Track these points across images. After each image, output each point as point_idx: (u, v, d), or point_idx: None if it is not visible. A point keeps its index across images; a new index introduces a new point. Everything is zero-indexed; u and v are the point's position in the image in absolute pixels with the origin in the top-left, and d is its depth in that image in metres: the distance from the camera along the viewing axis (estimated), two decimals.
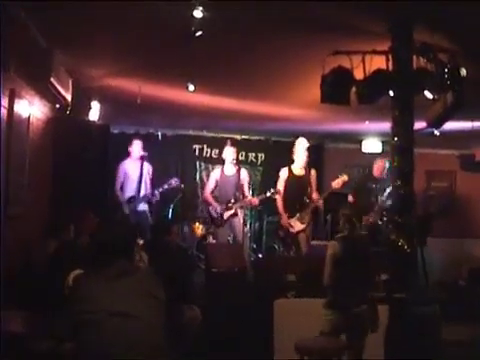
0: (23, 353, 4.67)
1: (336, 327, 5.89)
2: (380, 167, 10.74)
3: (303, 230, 9.72)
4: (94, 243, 4.60)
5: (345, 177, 9.87)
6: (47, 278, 5.46)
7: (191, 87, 7.97)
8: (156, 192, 10.33)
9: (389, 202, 9.85)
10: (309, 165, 10.09)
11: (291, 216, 9.76)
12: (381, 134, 12.61)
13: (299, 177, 9.87)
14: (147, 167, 10.51)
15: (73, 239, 6.69)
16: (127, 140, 10.94)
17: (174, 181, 10.61)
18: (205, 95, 9.15)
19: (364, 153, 13.41)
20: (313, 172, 10.08)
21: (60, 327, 4.25)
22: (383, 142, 13.12)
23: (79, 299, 3.77)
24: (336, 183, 9.83)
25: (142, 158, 10.41)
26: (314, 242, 9.97)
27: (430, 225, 7.06)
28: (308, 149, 9.99)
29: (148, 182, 10.47)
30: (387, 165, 10.61)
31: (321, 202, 10.03)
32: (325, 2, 5.38)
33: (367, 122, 11.25)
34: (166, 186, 10.49)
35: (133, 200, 10.20)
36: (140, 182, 10.28)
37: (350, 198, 10.45)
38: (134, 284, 3.87)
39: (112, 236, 4.07)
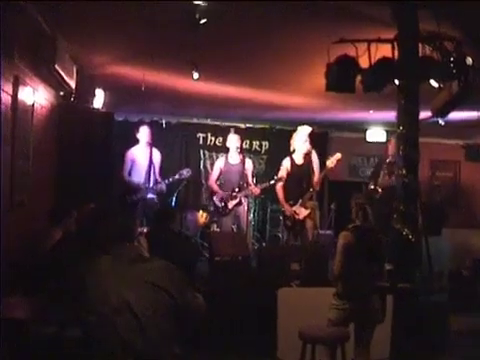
0: (26, 339, 4.69)
1: (345, 317, 5.88)
2: (393, 148, 10.56)
3: (309, 216, 9.63)
4: (90, 230, 4.59)
5: (338, 155, 9.73)
6: (50, 266, 5.46)
7: (195, 75, 7.95)
8: (165, 182, 10.27)
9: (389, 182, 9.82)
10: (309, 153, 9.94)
11: (293, 204, 9.72)
12: (386, 123, 12.60)
13: (300, 166, 9.77)
14: (156, 154, 10.44)
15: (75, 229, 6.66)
16: (131, 128, 10.94)
17: (186, 171, 10.54)
18: (209, 83, 9.14)
19: (368, 142, 13.40)
20: (314, 156, 9.87)
21: (62, 313, 4.25)
22: (387, 131, 13.11)
23: (87, 286, 3.76)
24: (331, 162, 9.67)
25: (150, 145, 10.36)
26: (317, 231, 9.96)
27: (444, 214, 7.01)
28: (310, 136, 9.87)
29: (157, 169, 10.40)
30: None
31: (317, 184, 9.83)
32: None
33: (372, 111, 11.24)
34: (177, 176, 10.42)
35: (143, 187, 10.15)
36: (149, 169, 10.22)
37: (372, 187, 10.18)
38: (142, 271, 3.86)
39: (117, 224, 4.09)
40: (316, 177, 9.71)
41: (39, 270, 5.56)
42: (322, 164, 9.82)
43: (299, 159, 9.79)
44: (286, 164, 9.92)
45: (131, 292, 3.71)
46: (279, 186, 9.85)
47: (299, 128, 9.88)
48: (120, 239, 3.99)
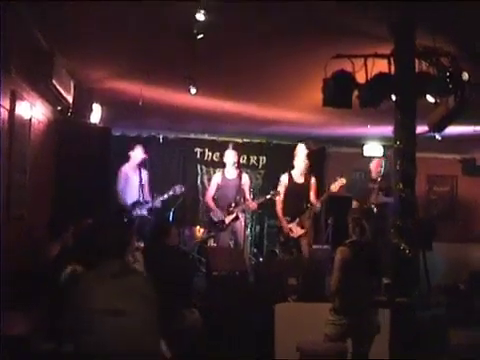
0: (25, 354, 4.68)
1: (342, 332, 5.86)
2: (376, 167, 10.76)
3: (304, 234, 9.69)
4: (87, 244, 4.63)
5: (343, 180, 9.84)
6: (47, 281, 5.45)
7: (193, 90, 7.96)
8: (160, 198, 10.32)
9: (384, 199, 9.96)
10: (310, 170, 10.05)
11: (291, 221, 9.75)
12: (382, 138, 12.60)
13: (299, 184, 9.91)
14: (144, 174, 10.49)
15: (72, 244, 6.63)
16: (129, 143, 10.94)
17: (179, 188, 10.58)
18: (207, 98, 9.14)
19: (366, 157, 13.39)
20: (313, 180, 10.05)
21: (61, 328, 4.27)
22: (384, 146, 13.11)
23: (75, 299, 3.83)
24: (334, 186, 9.81)
25: (140, 165, 10.44)
26: (314, 246, 9.97)
27: (435, 229, 7.03)
28: (308, 155, 9.97)
29: (146, 188, 10.46)
30: (383, 164, 10.65)
31: (319, 206, 9.97)
32: (327, 6, 5.38)
33: (369, 126, 11.25)
34: (171, 193, 10.48)
35: (137, 205, 10.19)
36: (139, 188, 10.31)
37: (354, 203, 10.39)
38: (127, 283, 3.95)
39: (107, 239, 4.14)
40: (314, 197, 9.78)
41: (37, 284, 5.55)
42: (321, 178, 9.94)
43: (298, 177, 9.84)
44: (284, 181, 9.98)
45: (115, 304, 3.76)
46: (279, 201, 9.89)
47: (299, 145, 9.94)
48: (108, 254, 4.06)
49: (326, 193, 9.96)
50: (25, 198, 6.66)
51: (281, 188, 9.99)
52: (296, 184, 9.93)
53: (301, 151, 9.93)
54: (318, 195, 10.05)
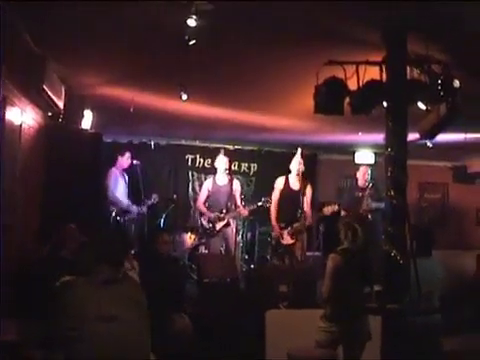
0: None
1: (333, 339, 5.84)
2: (364, 175, 10.79)
3: (293, 244, 9.70)
4: (84, 252, 4.62)
5: (335, 206, 10.08)
6: (38, 287, 5.43)
7: (184, 96, 7.95)
8: (144, 205, 10.39)
9: (374, 205, 10.00)
10: (304, 177, 10.02)
11: (284, 227, 9.74)
12: (374, 145, 12.63)
13: (294, 191, 9.84)
14: (126, 180, 10.62)
15: (53, 251, 6.59)
16: (120, 149, 10.92)
17: (153, 197, 10.67)
18: (198, 104, 9.14)
19: (357, 164, 13.40)
20: (309, 189, 10.03)
21: (52, 336, 4.25)
22: (375, 153, 13.15)
23: (67, 306, 3.82)
24: (327, 210, 10.04)
25: (126, 170, 10.52)
26: (306, 253, 9.98)
27: (434, 236, 7.03)
28: (303, 158, 9.98)
29: (131, 193, 10.58)
30: (369, 173, 10.69)
31: (310, 223, 10.05)
32: (320, 13, 5.39)
33: (360, 133, 11.27)
34: (151, 201, 10.55)
35: (126, 211, 10.22)
36: (127, 193, 10.40)
37: (343, 213, 10.40)
38: (119, 290, 3.95)
39: (103, 247, 4.14)
40: (308, 209, 9.80)
41: (21, 291, 5.55)
42: (312, 185, 10.01)
43: (294, 183, 9.85)
44: (279, 185, 9.98)
45: (111, 309, 3.76)
46: (274, 204, 9.92)
47: (298, 150, 9.96)
48: (102, 261, 4.06)
49: (319, 214, 10.09)
50: (15, 204, 6.63)
51: (276, 191, 9.99)
52: (291, 190, 9.89)
53: (297, 155, 9.93)
54: (313, 204, 10.08)
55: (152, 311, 4.19)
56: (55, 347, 4.14)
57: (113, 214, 10.04)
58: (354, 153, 13.50)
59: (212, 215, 10.33)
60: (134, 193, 10.54)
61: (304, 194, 9.81)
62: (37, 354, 4.68)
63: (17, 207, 6.70)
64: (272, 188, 10.20)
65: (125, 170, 10.58)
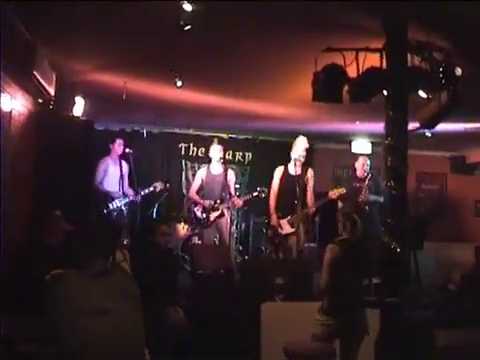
0: (7, 356, 4.64)
1: (330, 332, 5.84)
2: (363, 165, 10.72)
3: (293, 233, 9.61)
4: (75, 244, 4.58)
5: (343, 190, 9.86)
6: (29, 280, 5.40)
7: (179, 83, 7.90)
8: (141, 193, 10.30)
9: (372, 197, 9.96)
10: (305, 164, 9.91)
11: (282, 217, 9.69)
12: (371, 135, 12.61)
13: (294, 177, 9.58)
14: (125, 166, 10.55)
15: (40, 239, 6.55)
16: (112, 137, 10.87)
17: (159, 185, 10.58)
18: (192, 92, 9.08)
19: (354, 154, 13.39)
20: (310, 173, 9.91)
21: (43, 330, 4.23)
22: (372, 143, 13.12)
23: (59, 299, 3.80)
24: (333, 193, 9.82)
25: (121, 157, 10.50)
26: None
27: (426, 227, 7.00)
28: (307, 150, 9.86)
29: (126, 182, 10.46)
30: (368, 163, 10.62)
31: (313, 210, 9.98)
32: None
33: (357, 122, 11.24)
34: (151, 188, 10.47)
35: (115, 199, 10.19)
36: (120, 181, 10.33)
37: (339, 204, 10.33)
38: (111, 282, 3.94)
39: (95, 238, 4.12)
40: (309, 196, 9.71)
41: (19, 284, 5.53)
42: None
43: (293, 169, 9.72)
44: (278, 173, 9.92)
45: (104, 301, 3.75)
46: (273, 193, 9.86)
47: (300, 137, 9.83)
48: (93, 253, 4.04)
49: (323, 199, 9.93)
50: (5, 193, 6.58)
51: (275, 181, 9.92)
52: (291, 176, 9.73)
53: (300, 142, 9.80)
54: (314, 190, 9.97)
55: (146, 303, 4.17)
56: (48, 341, 4.12)
57: (105, 203, 10.01)
58: (351, 142, 13.48)
59: (206, 205, 10.30)
60: (129, 182, 10.49)
61: (306, 180, 9.73)
62: (27, 348, 4.67)
63: (6, 195, 6.64)
64: (267, 178, 10.17)
65: (120, 158, 10.53)
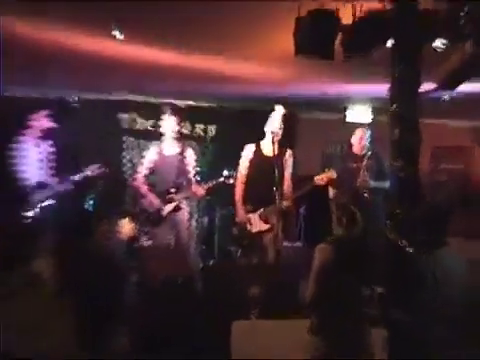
0: None
1: (326, 355, 5.88)
2: (360, 140, 10.76)
3: (268, 230, 9.65)
4: None
5: (332, 173, 9.88)
6: None
7: (118, 35, 7.87)
8: (67, 183, 10.26)
9: (373, 183, 10.04)
10: (282, 143, 9.93)
11: (252, 211, 9.72)
12: (371, 100, 12.68)
13: (269, 158, 9.66)
14: (48, 147, 10.48)
15: None
16: (29, 107, 10.81)
17: (95, 169, 10.55)
18: (136, 45, 9.06)
19: (349, 124, 13.44)
20: (289, 153, 10.03)
21: None
22: (373, 110, 13.19)
23: None
24: (320, 178, 9.86)
25: (43, 136, 10.47)
26: (283, 244, 10.00)
27: (448, 220, 7.07)
28: (287, 121, 9.89)
29: (47, 167, 10.41)
30: (368, 136, 10.66)
31: (290, 202, 9.97)
32: None
33: (354, 84, 11.31)
34: (84, 174, 10.45)
35: (40, 189, 10.14)
36: (40, 166, 10.28)
37: (331, 191, 10.36)
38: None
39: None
40: (287, 183, 9.75)
41: None
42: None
43: (268, 148, 9.77)
44: (247, 154, 9.93)
45: None
46: (240, 179, 9.86)
47: (276, 106, 9.85)
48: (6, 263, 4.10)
49: (308, 186, 9.94)
50: None
51: (243, 164, 9.95)
52: (265, 158, 9.83)
53: (277, 113, 9.82)
54: (293, 177, 9.99)
55: (80, 326, 4.20)
56: None
57: (21, 197, 9.98)
58: (345, 110, 13.54)
59: (156, 196, 10.31)
60: (54, 166, 10.44)
61: (283, 164, 9.77)
62: None
63: None
64: (236, 157, 10.19)
65: (41, 136, 10.46)
